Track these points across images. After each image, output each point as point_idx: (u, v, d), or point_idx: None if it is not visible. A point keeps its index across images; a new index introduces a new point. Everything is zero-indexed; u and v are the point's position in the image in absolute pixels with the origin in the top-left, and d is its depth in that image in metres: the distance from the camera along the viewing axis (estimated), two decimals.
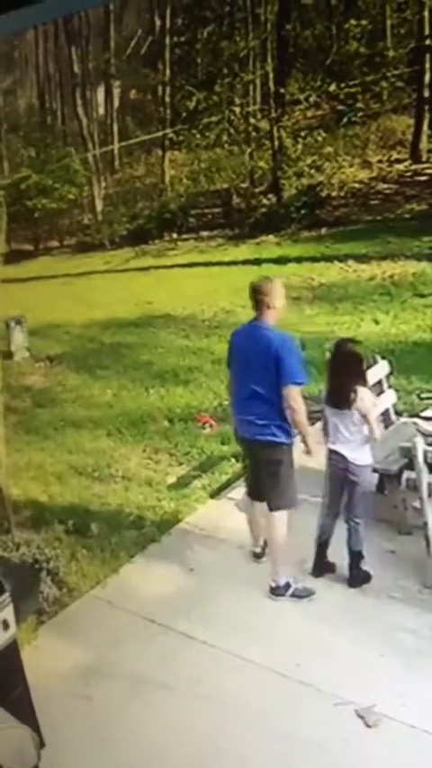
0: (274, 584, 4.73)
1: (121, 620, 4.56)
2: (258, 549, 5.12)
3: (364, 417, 4.63)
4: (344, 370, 4.67)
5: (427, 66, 21.11)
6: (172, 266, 17.26)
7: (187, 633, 4.35)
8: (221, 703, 3.81)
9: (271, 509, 4.78)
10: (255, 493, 5.02)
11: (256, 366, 4.72)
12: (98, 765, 3.55)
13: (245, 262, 16.03)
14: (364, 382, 4.74)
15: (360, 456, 4.68)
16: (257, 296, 4.80)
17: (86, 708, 3.86)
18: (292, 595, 4.68)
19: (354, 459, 4.67)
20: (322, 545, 4.83)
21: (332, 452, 4.77)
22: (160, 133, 24.77)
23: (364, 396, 4.64)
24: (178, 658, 4.18)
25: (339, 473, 4.74)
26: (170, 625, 4.44)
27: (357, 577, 4.73)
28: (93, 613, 4.67)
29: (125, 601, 4.74)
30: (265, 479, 4.82)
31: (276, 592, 4.71)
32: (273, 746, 3.51)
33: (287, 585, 4.70)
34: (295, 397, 4.61)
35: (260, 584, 4.79)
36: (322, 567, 4.84)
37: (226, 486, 6.28)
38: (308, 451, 4.81)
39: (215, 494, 6.19)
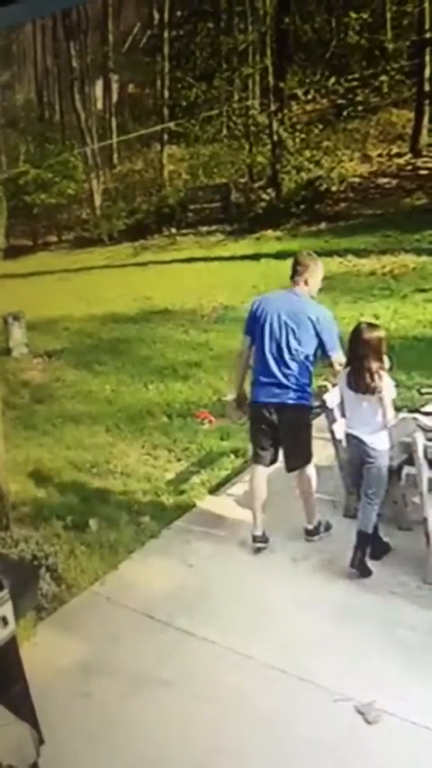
0: (311, 527, 5.17)
1: (121, 617, 4.55)
2: (259, 532, 5.13)
3: (381, 401, 4.63)
4: (366, 353, 4.65)
5: (428, 59, 21.05)
6: (171, 261, 17.26)
7: (187, 630, 4.34)
8: (221, 700, 3.80)
9: (297, 467, 5.13)
10: (268, 457, 5.17)
11: (297, 330, 4.94)
12: (97, 762, 3.54)
13: (244, 257, 16.03)
14: (382, 366, 4.73)
15: (378, 440, 4.70)
16: (297, 267, 5.11)
17: (86, 705, 3.86)
18: (326, 530, 5.20)
19: (371, 443, 4.69)
20: (363, 535, 4.78)
21: (350, 436, 4.81)
22: (159, 127, 24.72)
23: (385, 380, 4.66)
24: (178, 655, 4.17)
25: (357, 457, 4.78)
26: (170, 621, 4.43)
27: (380, 549, 4.85)
28: (92, 610, 4.66)
29: (124, 597, 4.73)
30: (293, 441, 5.09)
31: (313, 533, 5.16)
32: (272, 743, 3.51)
33: (319, 524, 5.18)
34: (341, 361, 4.95)
35: (260, 580, 4.81)
36: (362, 561, 4.78)
37: (225, 482, 6.28)
38: None
39: (214, 490, 6.18)
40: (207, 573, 4.97)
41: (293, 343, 4.96)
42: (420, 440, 4.77)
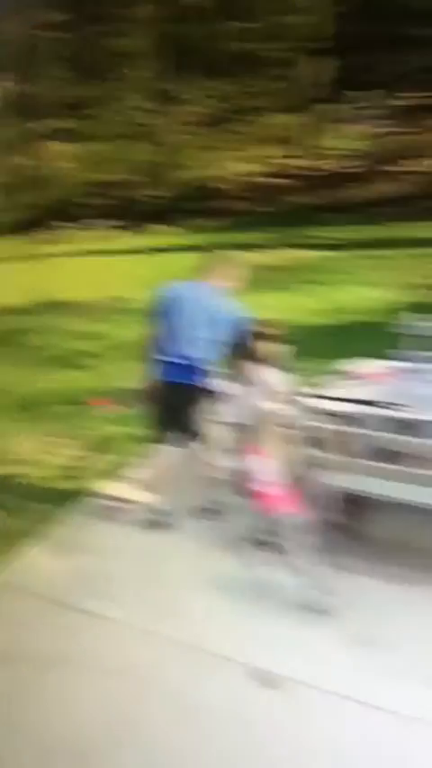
0: (210, 505, 5.15)
1: (25, 603, 4.33)
2: (161, 507, 5.13)
3: (264, 394, 4.64)
4: (253, 348, 4.70)
5: (311, 65, 21.49)
6: (66, 255, 16.90)
7: (93, 611, 4.17)
8: (128, 677, 3.67)
9: (200, 446, 5.14)
10: (171, 437, 5.16)
11: (204, 316, 5.01)
12: (8, 749, 3.34)
13: (138, 251, 15.88)
14: (266, 360, 4.75)
15: None
16: (206, 261, 5.25)
17: None
18: (224, 507, 5.03)
19: None
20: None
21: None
22: (52, 124, 24.20)
23: (269, 373, 4.68)
24: (85, 637, 4.00)
25: None
26: (75, 605, 4.25)
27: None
28: None
29: (28, 583, 4.51)
30: (194, 421, 5.08)
31: (212, 510, 5.11)
32: (182, 718, 3.41)
33: (217, 502, 5.08)
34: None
35: (161, 558, 4.72)
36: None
37: (124, 466, 6.13)
38: None
39: (113, 474, 6.03)
40: (109, 555, 4.81)
41: (199, 329, 5.00)
42: (315, 422, 4.81)
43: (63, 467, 6.20)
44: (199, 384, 5.05)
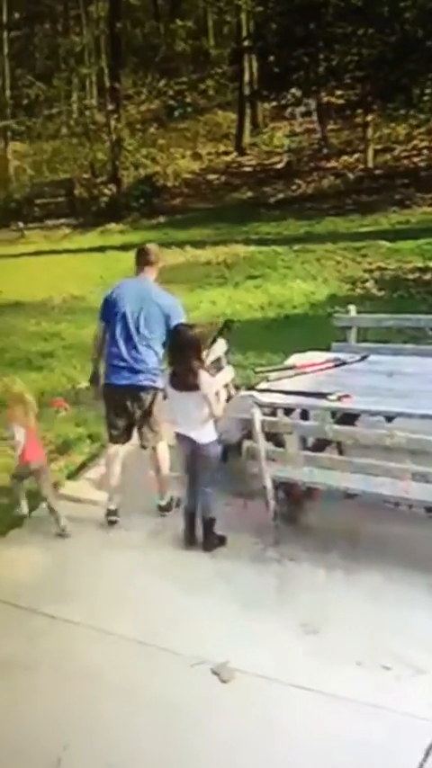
0: (164, 503, 5.14)
1: None
2: (113, 506, 5.11)
3: (204, 398, 4.61)
4: (186, 354, 4.61)
5: (246, 65, 21.34)
6: (20, 255, 16.55)
7: (50, 613, 4.18)
8: (85, 677, 3.69)
9: (149, 445, 5.10)
10: (122, 437, 5.14)
11: (147, 316, 4.91)
12: None
13: (90, 249, 15.65)
14: (202, 364, 4.74)
15: (204, 434, 4.67)
16: (145, 256, 5.13)
17: None
18: (177, 506, 5.08)
19: (198, 437, 4.66)
20: (189, 516, 4.80)
21: (179, 435, 4.76)
22: (2, 123, 23.61)
23: (204, 377, 4.63)
24: (43, 639, 4.01)
25: (188, 452, 4.76)
26: (34, 607, 4.25)
27: (212, 542, 4.74)
28: None
29: None
30: (142, 420, 5.03)
31: (166, 509, 5.14)
32: (136, 713, 3.45)
33: (171, 500, 5.14)
34: None
35: (119, 561, 4.70)
36: (192, 538, 4.79)
37: (83, 466, 6.11)
38: None
39: (73, 475, 6.00)
40: (68, 556, 4.81)
41: (143, 330, 4.93)
42: (257, 415, 4.83)
43: None
44: (144, 384, 4.97)
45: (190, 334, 4.70)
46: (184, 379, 4.60)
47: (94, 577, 4.53)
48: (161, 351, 5.00)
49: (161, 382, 5.01)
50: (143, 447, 5.19)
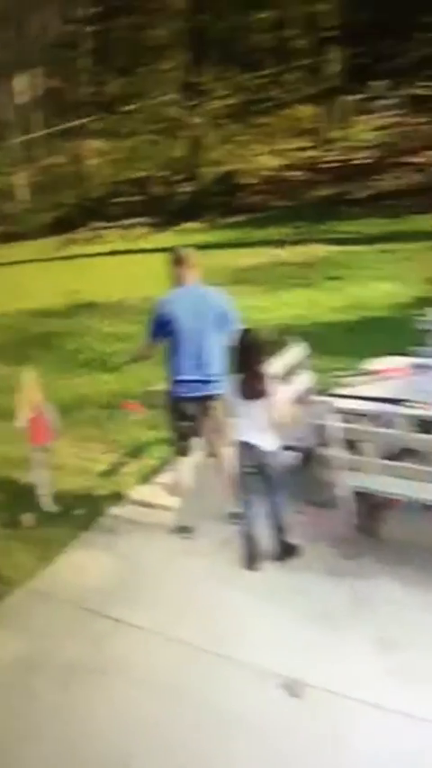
0: (235, 510, 4.94)
1: (56, 610, 4.47)
2: (185, 523, 5.11)
3: (271, 404, 4.63)
4: (252, 360, 4.64)
5: (331, 56, 21.20)
6: (97, 254, 16.97)
7: (120, 618, 4.29)
8: (152, 684, 3.78)
9: (218, 452, 5.08)
10: (190, 448, 5.16)
11: (208, 323, 4.88)
12: (37, 755, 3.47)
13: (167, 249, 15.82)
14: (267, 370, 4.77)
15: (270, 441, 4.68)
16: (183, 259, 5.04)
17: (24, 699, 3.78)
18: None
19: (264, 445, 4.66)
20: (248, 537, 4.78)
21: (242, 444, 4.73)
22: (81, 121, 24.21)
23: (271, 383, 4.67)
24: (112, 644, 4.13)
25: (252, 462, 4.73)
26: (104, 612, 4.37)
27: (285, 551, 4.75)
28: (27, 605, 4.55)
29: (59, 590, 4.65)
30: (212, 428, 5.03)
31: (238, 515, 4.91)
32: (202, 723, 3.51)
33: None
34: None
35: (189, 567, 4.78)
36: (253, 562, 4.75)
37: (155, 471, 6.22)
38: None
39: (145, 479, 6.13)
40: (138, 561, 4.92)
41: (208, 340, 4.92)
42: (332, 422, 4.82)
43: (96, 472, 6.30)
44: (213, 392, 4.98)
45: (256, 339, 4.71)
46: (250, 386, 4.61)
47: (162, 583, 4.63)
48: (223, 356, 4.98)
49: (225, 388, 5.03)
50: (212, 455, 5.20)
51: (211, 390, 4.98)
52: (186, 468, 5.19)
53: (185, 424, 5.10)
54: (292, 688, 3.64)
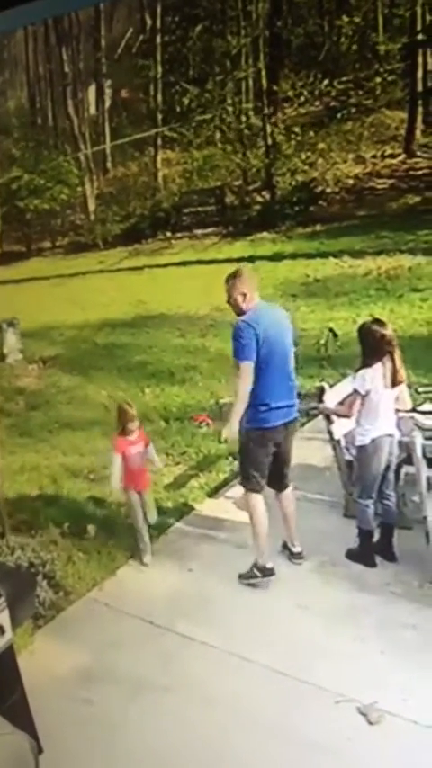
0: (297, 550, 5.00)
1: (119, 623, 4.52)
2: (270, 564, 4.83)
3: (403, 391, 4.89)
4: (392, 348, 4.77)
5: (420, 60, 21.10)
6: (166, 265, 17.24)
7: (186, 634, 4.31)
8: (221, 704, 3.77)
9: (288, 485, 5.02)
10: (264, 481, 4.89)
11: (288, 347, 4.83)
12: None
13: (239, 259, 15.98)
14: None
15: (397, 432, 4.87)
16: (254, 279, 4.97)
17: (85, 712, 3.82)
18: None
19: (396, 433, 4.85)
20: (368, 534, 4.91)
21: (379, 439, 4.78)
22: (153, 131, 24.73)
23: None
24: (178, 660, 4.14)
25: (386, 457, 4.84)
26: (169, 626, 4.40)
27: (394, 551, 4.89)
28: (90, 616, 4.63)
29: (123, 603, 4.71)
30: (288, 456, 4.98)
31: (300, 556, 4.99)
32: (273, 747, 3.48)
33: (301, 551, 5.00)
34: None
35: (261, 586, 4.77)
36: (373, 559, 4.89)
37: (223, 484, 6.25)
38: None
39: (213, 493, 6.16)
40: (206, 577, 4.94)
41: (290, 361, 4.82)
42: (419, 439, 4.76)
43: (164, 485, 6.35)
44: (296, 416, 4.89)
45: (386, 329, 4.80)
46: (394, 375, 4.76)
47: (233, 602, 4.63)
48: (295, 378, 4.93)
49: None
50: (285, 487, 5.01)
51: (296, 414, 4.89)
52: (263, 506, 4.88)
53: (268, 455, 4.83)
54: (370, 714, 3.57)
